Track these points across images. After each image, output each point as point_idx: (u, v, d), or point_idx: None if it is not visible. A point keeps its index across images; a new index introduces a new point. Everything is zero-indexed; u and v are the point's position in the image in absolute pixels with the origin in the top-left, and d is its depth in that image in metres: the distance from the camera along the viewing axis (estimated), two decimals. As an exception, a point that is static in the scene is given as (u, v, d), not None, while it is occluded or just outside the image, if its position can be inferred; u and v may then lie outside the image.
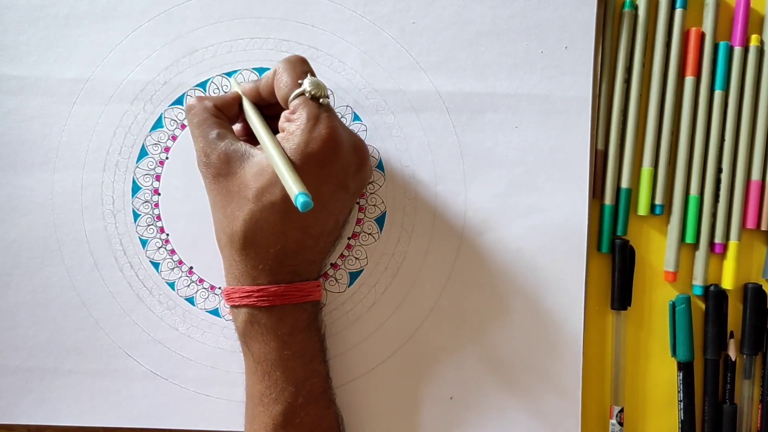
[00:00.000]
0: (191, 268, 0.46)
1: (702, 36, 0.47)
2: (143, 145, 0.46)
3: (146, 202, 0.46)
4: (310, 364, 0.41)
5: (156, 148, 0.46)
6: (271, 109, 0.42)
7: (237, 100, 0.42)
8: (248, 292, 0.39)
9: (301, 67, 0.40)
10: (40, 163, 0.46)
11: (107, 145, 0.46)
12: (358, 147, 0.41)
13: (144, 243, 0.46)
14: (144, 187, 0.46)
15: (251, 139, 0.41)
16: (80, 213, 0.46)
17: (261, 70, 0.46)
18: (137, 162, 0.46)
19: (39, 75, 0.46)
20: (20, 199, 0.46)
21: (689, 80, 0.47)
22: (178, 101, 0.46)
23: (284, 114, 0.39)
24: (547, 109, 0.46)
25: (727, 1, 0.48)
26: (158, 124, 0.46)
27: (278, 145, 0.38)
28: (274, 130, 0.40)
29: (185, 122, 0.42)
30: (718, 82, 0.47)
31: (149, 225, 0.46)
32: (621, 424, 0.47)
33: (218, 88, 0.46)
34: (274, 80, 0.40)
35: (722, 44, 0.47)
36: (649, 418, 0.48)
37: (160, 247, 0.46)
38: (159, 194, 0.46)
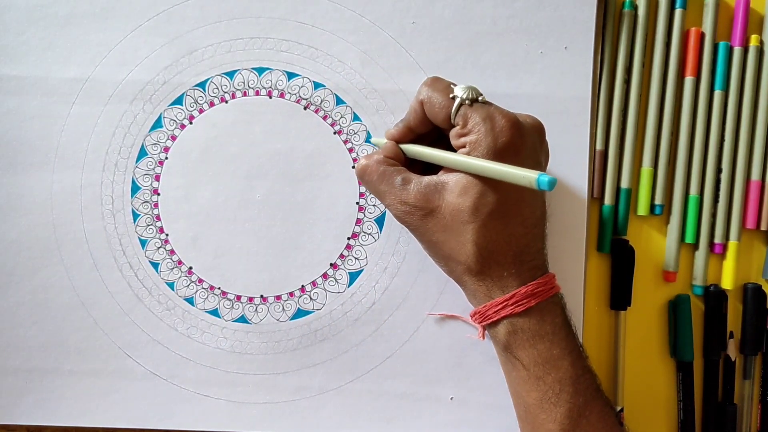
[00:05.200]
0: (191, 268, 0.46)
1: (702, 36, 0.47)
2: (143, 145, 0.46)
3: (146, 202, 0.46)
4: (579, 361, 0.39)
5: (155, 148, 0.46)
6: (422, 142, 0.42)
7: (396, 146, 0.42)
8: (502, 303, 0.39)
9: (442, 83, 0.40)
10: (40, 163, 0.46)
11: (106, 145, 0.46)
12: (534, 122, 0.40)
13: (143, 243, 0.46)
14: (143, 187, 0.46)
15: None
16: (79, 213, 0.46)
17: (261, 70, 0.46)
18: (137, 162, 0.46)
19: (38, 75, 0.46)
20: (20, 199, 0.46)
21: (689, 80, 0.47)
22: (178, 101, 0.46)
23: (455, 131, 0.39)
24: (547, 109, 0.46)
25: (726, 1, 0.48)
26: (158, 124, 0.46)
27: (472, 157, 0.38)
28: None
29: (364, 185, 0.42)
30: (717, 82, 0.47)
31: (148, 225, 0.46)
32: (621, 424, 0.47)
33: (217, 88, 0.46)
34: (425, 109, 0.40)
35: (722, 44, 0.47)
36: (649, 418, 0.48)
37: (159, 247, 0.46)
38: (158, 194, 0.46)
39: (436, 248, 0.40)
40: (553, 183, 0.33)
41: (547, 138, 0.41)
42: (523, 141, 0.38)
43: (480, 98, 0.39)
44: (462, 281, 0.41)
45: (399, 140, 0.42)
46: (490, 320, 0.40)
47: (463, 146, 0.39)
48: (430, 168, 0.41)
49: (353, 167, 0.46)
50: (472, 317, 0.41)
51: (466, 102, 0.39)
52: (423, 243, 0.41)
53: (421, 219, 0.39)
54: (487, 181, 0.38)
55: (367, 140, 0.46)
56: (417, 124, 0.41)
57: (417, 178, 0.40)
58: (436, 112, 0.39)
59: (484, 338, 0.42)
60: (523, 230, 0.39)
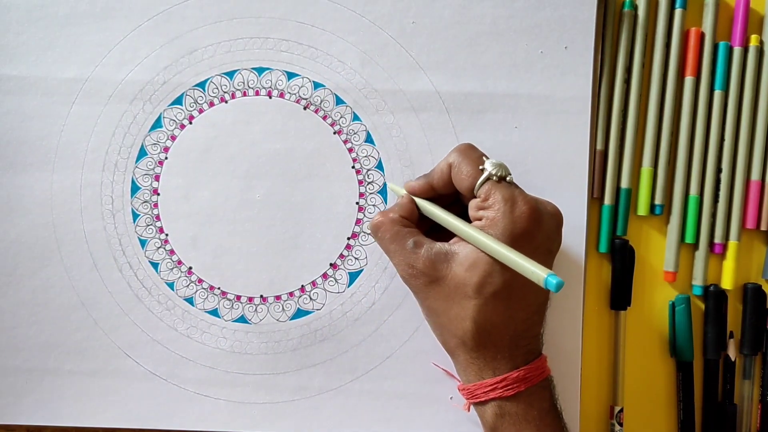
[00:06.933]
0: (190, 268, 0.46)
1: (702, 36, 0.47)
2: (142, 145, 0.46)
3: (145, 202, 0.46)
4: None
5: (155, 148, 0.46)
6: (439, 202, 0.42)
7: (413, 203, 0.42)
8: (492, 385, 0.39)
9: (474, 153, 0.40)
10: (40, 163, 0.46)
11: (106, 145, 0.46)
12: (553, 211, 0.40)
13: (143, 243, 0.46)
14: (143, 187, 0.46)
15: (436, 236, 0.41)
16: (79, 213, 0.46)
17: (260, 70, 0.46)
18: (136, 162, 0.46)
19: (38, 75, 0.46)
20: (20, 199, 0.46)
21: (689, 80, 0.47)
22: (178, 101, 0.46)
23: (475, 203, 0.39)
24: (547, 109, 0.46)
25: (726, 1, 0.48)
26: (157, 124, 0.46)
27: (486, 234, 0.38)
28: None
29: (375, 240, 0.42)
30: (717, 82, 0.47)
31: (148, 225, 0.46)
32: (621, 424, 0.47)
33: (217, 88, 0.46)
34: (452, 173, 0.40)
35: (722, 44, 0.47)
36: (649, 418, 0.48)
37: (159, 247, 0.46)
38: (158, 194, 0.46)
39: (434, 316, 0.40)
40: (560, 285, 0.34)
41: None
42: (540, 230, 0.39)
43: (508, 177, 0.39)
44: (454, 354, 0.41)
45: (418, 195, 0.42)
46: (479, 399, 0.40)
47: (480, 219, 0.39)
48: (440, 225, 0.41)
49: (353, 167, 0.46)
50: (460, 391, 0.41)
51: (494, 178, 0.39)
52: (423, 308, 0.41)
53: (425, 285, 0.39)
54: (497, 261, 0.38)
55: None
56: (440, 184, 0.41)
57: (428, 244, 0.40)
58: (462, 179, 0.39)
59: (469, 411, 0.42)
60: (524, 315, 0.39)
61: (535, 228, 0.38)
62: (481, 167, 0.39)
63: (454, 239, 0.40)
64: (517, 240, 0.38)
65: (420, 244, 0.40)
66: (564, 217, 0.41)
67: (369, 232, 0.42)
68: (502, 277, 0.38)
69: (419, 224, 0.42)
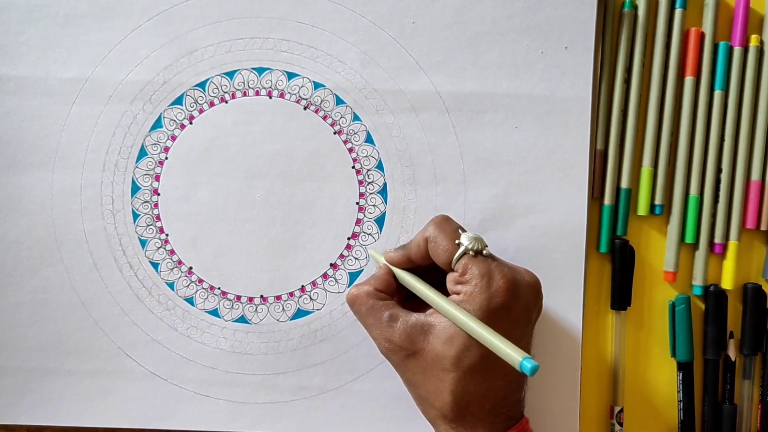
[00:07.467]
0: (191, 268, 0.46)
1: (702, 36, 0.47)
2: (142, 145, 0.46)
3: (145, 202, 0.46)
4: None
5: (155, 149, 0.46)
6: (419, 268, 0.42)
7: (391, 275, 0.42)
8: None
9: (450, 226, 0.40)
10: (40, 163, 0.46)
11: (106, 146, 0.46)
12: (532, 281, 0.40)
13: (143, 243, 0.46)
14: (143, 188, 0.46)
15: (413, 304, 0.41)
16: (79, 213, 0.46)
17: (260, 70, 0.46)
18: (136, 162, 0.46)
19: (38, 75, 0.46)
20: (20, 199, 0.46)
21: (689, 80, 0.47)
22: (178, 101, 0.46)
23: (452, 276, 0.39)
24: (547, 109, 0.46)
25: (726, 1, 0.48)
26: (157, 124, 0.46)
27: (463, 310, 0.37)
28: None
29: (353, 312, 0.42)
30: (717, 82, 0.47)
31: (149, 225, 0.46)
32: (621, 424, 0.47)
33: (217, 88, 0.46)
34: (429, 247, 0.40)
35: (722, 44, 0.47)
36: (649, 418, 0.48)
37: (159, 248, 0.46)
38: (158, 194, 0.46)
39: (414, 388, 0.40)
40: (535, 369, 0.33)
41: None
42: (517, 303, 0.38)
43: (484, 251, 0.39)
44: (435, 424, 0.40)
45: (396, 266, 0.42)
46: None
47: (458, 294, 0.39)
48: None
49: (353, 167, 0.46)
50: None
51: (470, 252, 0.38)
52: (403, 380, 0.41)
53: (403, 358, 0.39)
54: None
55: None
56: (418, 257, 0.41)
57: (404, 316, 0.40)
58: (439, 253, 0.39)
59: None
60: (502, 383, 0.39)
61: (512, 301, 0.38)
62: (457, 241, 0.39)
63: (432, 309, 0.40)
64: (494, 314, 0.37)
65: (396, 317, 0.40)
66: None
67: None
68: (479, 350, 0.37)
69: (398, 291, 0.42)
